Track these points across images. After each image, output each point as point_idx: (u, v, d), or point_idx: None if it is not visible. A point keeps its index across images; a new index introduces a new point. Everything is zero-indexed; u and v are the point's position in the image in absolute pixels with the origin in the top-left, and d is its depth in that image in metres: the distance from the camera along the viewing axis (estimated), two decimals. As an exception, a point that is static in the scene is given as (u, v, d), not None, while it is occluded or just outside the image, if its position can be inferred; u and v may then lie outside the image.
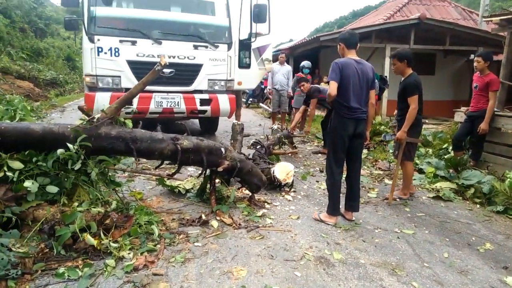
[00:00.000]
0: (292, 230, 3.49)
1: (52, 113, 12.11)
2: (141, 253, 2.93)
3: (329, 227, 3.61)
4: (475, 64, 5.54)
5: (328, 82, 3.63)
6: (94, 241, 2.81)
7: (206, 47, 6.78)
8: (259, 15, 7.02)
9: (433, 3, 17.37)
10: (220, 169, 3.74)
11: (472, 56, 14.18)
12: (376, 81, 8.11)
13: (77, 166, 3.18)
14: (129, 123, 3.72)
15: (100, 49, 6.20)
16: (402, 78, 4.52)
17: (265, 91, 13.85)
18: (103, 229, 3.09)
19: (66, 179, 3.21)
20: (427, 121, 10.98)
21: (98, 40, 6.17)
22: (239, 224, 3.54)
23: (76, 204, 3.17)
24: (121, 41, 6.28)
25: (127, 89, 6.32)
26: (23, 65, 18.85)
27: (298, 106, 8.91)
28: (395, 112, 8.59)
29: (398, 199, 4.56)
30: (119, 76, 6.34)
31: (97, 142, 3.29)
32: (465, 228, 3.81)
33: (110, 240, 2.99)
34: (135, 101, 6.39)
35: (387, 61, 12.13)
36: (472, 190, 4.75)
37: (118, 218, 3.24)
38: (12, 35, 23.72)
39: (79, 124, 3.26)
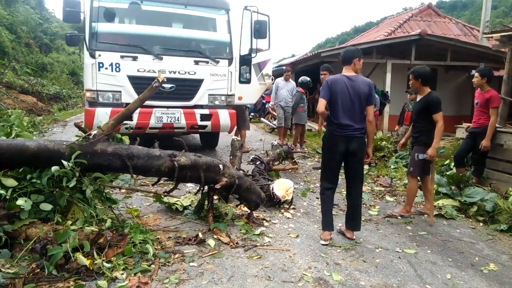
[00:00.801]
0: (291, 249, 3.41)
1: (54, 128, 12.12)
2: (135, 274, 2.85)
3: (328, 246, 3.53)
4: (473, 80, 5.52)
5: None
6: (86, 261, 2.74)
7: (207, 62, 6.79)
8: (259, 30, 7.07)
9: (434, 20, 17.48)
10: (217, 186, 3.68)
11: (473, 71, 14.18)
12: (377, 96, 8.12)
13: (72, 183, 3.13)
14: (126, 139, 3.68)
15: (101, 65, 6.22)
16: (419, 97, 4.51)
17: (266, 106, 13.83)
18: (97, 248, 3.02)
19: (60, 197, 3.17)
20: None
21: (99, 55, 6.19)
22: (237, 243, 3.46)
23: (69, 222, 3.11)
24: (122, 57, 6.29)
25: (127, 105, 6.30)
26: (27, 80, 18.99)
27: (300, 122, 8.91)
28: (396, 127, 8.67)
29: (399, 217, 4.48)
30: (120, 92, 6.33)
31: (93, 159, 3.25)
32: (468, 248, 3.72)
33: (103, 260, 2.92)
34: (135, 116, 6.37)
35: (389, 76, 12.16)
36: (475, 208, 4.67)
37: (113, 236, 3.18)
38: (18, 50, 23.99)
39: (75, 141, 3.23)
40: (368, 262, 3.25)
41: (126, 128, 6.38)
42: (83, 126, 3.31)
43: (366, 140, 3.75)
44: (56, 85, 23.05)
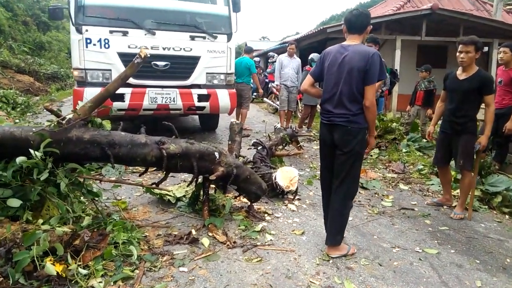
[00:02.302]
0: (296, 249, 2.99)
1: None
2: (115, 282, 2.45)
3: (339, 245, 3.10)
4: (500, 55, 4.99)
5: None
6: (53, 270, 2.32)
7: (204, 38, 6.27)
8: (234, 4, 6.66)
9: (445, -7, 16.66)
10: (212, 177, 3.24)
11: (486, 48, 13.53)
12: (387, 74, 7.56)
13: (44, 175, 2.70)
14: (108, 124, 3.23)
15: (88, 41, 5.72)
16: (463, 74, 3.82)
17: (269, 86, 13.24)
18: (72, 251, 2.62)
19: (31, 191, 2.74)
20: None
21: (86, 30, 5.69)
22: (234, 242, 3.04)
23: (41, 221, 2.69)
24: (111, 32, 5.79)
25: (119, 84, 5.87)
26: (23, 59, 18.45)
27: (309, 103, 8.38)
28: (408, 108, 8.13)
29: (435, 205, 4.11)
30: (110, 70, 5.85)
31: (67, 148, 2.82)
32: (496, 246, 3.29)
33: (79, 265, 2.51)
34: (127, 97, 5.94)
35: (398, 53, 11.56)
36: (499, 198, 4.22)
37: (92, 236, 2.77)
38: (14, 28, 23.38)
39: (45, 127, 2.78)
40: (384, 265, 2.83)
41: (121, 110, 5.99)
42: (55, 109, 2.86)
43: (358, 129, 2.79)
44: (54, 64, 22.52)
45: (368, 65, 2.68)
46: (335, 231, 2.90)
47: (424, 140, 7.20)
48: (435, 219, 3.81)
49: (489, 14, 14.55)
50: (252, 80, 8.50)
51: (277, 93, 11.14)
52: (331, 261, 2.83)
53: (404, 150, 6.62)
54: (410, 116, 7.96)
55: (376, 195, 4.45)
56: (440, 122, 4.18)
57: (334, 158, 2.87)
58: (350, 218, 3.63)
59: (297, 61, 8.59)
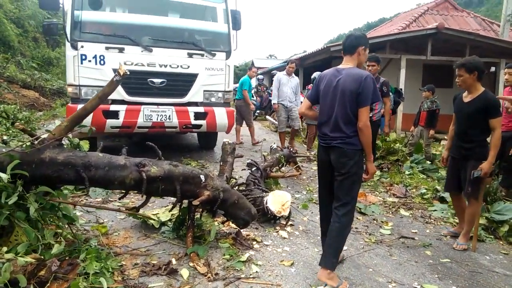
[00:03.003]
0: (283, 283, 2.75)
1: (50, 124, 11.62)
2: (79, 319, 2.24)
3: (330, 279, 2.86)
4: (506, 77, 4.80)
5: None
6: (8, 308, 2.12)
7: (202, 55, 6.15)
8: (235, 22, 6.58)
9: (451, 13, 16.58)
10: (195, 202, 3.04)
11: (493, 68, 13.33)
12: (391, 94, 7.37)
13: (12, 199, 2.53)
14: (85, 145, 3.07)
15: (83, 57, 5.62)
16: (468, 96, 3.65)
17: (272, 103, 13.02)
18: (37, 282, 2.42)
19: (-1, 216, 2.56)
20: (445, 137, 10.16)
21: (82, 47, 5.60)
22: (216, 274, 2.82)
23: (5, 249, 2.50)
24: (107, 48, 5.69)
25: (113, 101, 5.75)
26: (30, 74, 18.61)
27: (311, 122, 8.12)
28: (412, 128, 7.90)
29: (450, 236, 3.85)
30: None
31: (39, 170, 2.65)
32: (502, 283, 3.02)
33: (41, 299, 2.31)
34: (121, 114, 5.80)
35: (403, 72, 11.40)
36: (506, 228, 3.96)
37: (61, 266, 2.58)
38: (24, 44, 23.69)
39: (16, 147, 2.62)
40: (378, 303, 2.58)
41: (115, 127, 5.85)
42: (28, 128, 2.70)
43: (354, 150, 2.77)
44: (61, 79, 22.69)
45: (361, 88, 2.69)
46: (332, 251, 2.77)
47: (428, 162, 6.96)
48: (437, 250, 3.55)
49: (496, 34, 14.41)
50: (253, 97, 8.47)
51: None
52: (319, 298, 2.59)
53: (407, 172, 6.38)
54: (414, 136, 7.73)
55: (375, 221, 4.21)
56: None
57: (332, 179, 2.86)
58: (345, 248, 3.40)
59: (295, 80, 8.19)
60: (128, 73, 2.91)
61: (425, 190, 5.33)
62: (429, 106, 7.37)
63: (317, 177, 5.84)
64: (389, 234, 3.88)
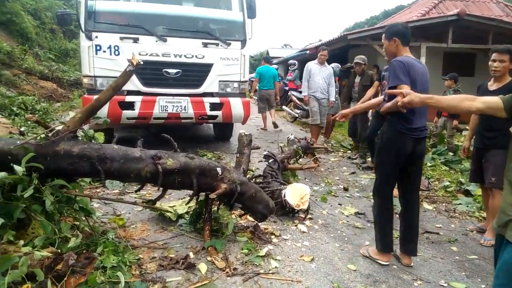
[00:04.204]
0: (303, 279, 2.67)
1: (68, 115, 11.69)
2: (96, 315, 2.20)
3: (352, 276, 2.76)
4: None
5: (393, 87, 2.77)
6: (24, 303, 2.08)
7: (217, 44, 6.04)
8: (250, 10, 6.34)
9: (472, -1, 16.03)
10: (212, 195, 2.96)
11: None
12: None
13: (28, 192, 2.48)
14: (100, 136, 3.01)
15: (98, 47, 5.58)
16: (494, 85, 3.52)
17: (289, 93, 12.82)
18: (54, 276, 2.38)
19: (15, 209, 2.53)
20: (467, 127, 9.87)
21: (96, 37, 5.55)
22: (234, 269, 2.75)
23: (22, 242, 2.47)
24: (121, 39, 5.63)
25: (129, 92, 5.71)
26: (48, 66, 18.78)
27: (330, 112, 7.84)
28: (435, 119, 7.64)
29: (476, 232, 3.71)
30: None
31: (55, 162, 2.59)
32: (535, 281, 2.87)
33: (58, 294, 2.27)
34: (137, 105, 5.75)
35: (423, 60, 11.03)
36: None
37: (78, 260, 2.53)
38: (41, 36, 23.93)
39: (30, 139, 2.57)
40: (403, 302, 2.47)
41: (131, 118, 5.81)
42: (42, 120, 2.65)
43: None
44: (78, 71, 22.89)
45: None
46: (417, 239, 3.00)
47: (451, 154, 6.75)
48: (463, 246, 3.41)
49: (520, 20, 13.88)
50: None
51: (297, 101, 10.77)
52: (342, 296, 2.49)
53: (429, 164, 6.20)
54: (437, 127, 7.50)
55: (396, 214, 4.06)
56: None
57: (406, 169, 2.92)
58: (366, 243, 3.31)
59: (328, 69, 7.51)
60: (142, 63, 2.83)
61: (448, 183, 5.16)
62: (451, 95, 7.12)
63: (335, 169, 5.74)
64: (412, 229, 3.74)
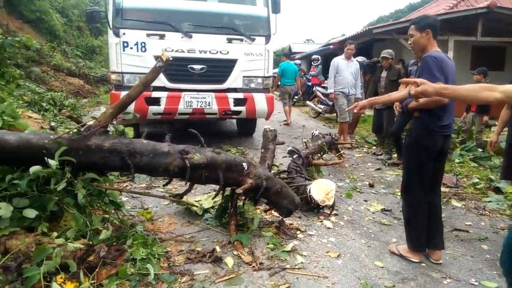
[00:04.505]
0: (330, 275, 2.66)
1: (94, 111, 11.97)
2: (127, 305, 2.26)
3: (380, 273, 2.74)
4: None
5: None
6: (60, 292, 2.15)
7: (241, 40, 6.06)
8: (274, 5, 6.33)
9: (503, -10, 15.47)
10: (239, 190, 2.99)
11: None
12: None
13: (61, 186, 2.57)
14: (130, 131, 3.07)
15: (125, 44, 5.69)
16: None
17: (314, 89, 12.65)
18: (86, 267, 2.45)
19: (48, 201, 2.62)
20: (496, 123, 9.57)
21: (124, 34, 5.66)
22: (260, 264, 2.77)
23: (55, 234, 2.56)
24: (148, 35, 5.72)
25: (155, 88, 5.79)
26: (75, 62, 19.24)
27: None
28: (464, 115, 7.43)
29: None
30: (146, 74, 5.76)
31: (86, 156, 2.66)
32: None
33: (91, 284, 2.34)
34: (163, 101, 5.84)
35: (451, 55, 10.77)
36: None
37: (108, 252, 2.61)
38: (69, 33, 24.53)
39: (63, 134, 2.65)
40: (433, 300, 2.44)
41: (157, 114, 5.89)
42: (74, 115, 2.72)
43: None
44: (104, 67, 23.37)
45: None
46: (443, 233, 3.00)
47: (479, 150, 6.57)
48: (494, 244, 3.32)
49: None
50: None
51: (321, 96, 10.67)
52: (369, 293, 2.48)
53: (456, 161, 6.05)
54: (466, 123, 7.30)
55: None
56: None
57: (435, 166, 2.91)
58: (393, 240, 3.27)
59: (355, 64, 7.33)
60: (171, 59, 2.86)
61: (477, 180, 5.02)
62: (480, 91, 6.90)
63: (359, 165, 5.68)
64: (441, 226, 3.67)
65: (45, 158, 2.47)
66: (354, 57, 7.87)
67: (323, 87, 10.78)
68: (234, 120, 8.61)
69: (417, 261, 2.90)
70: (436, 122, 2.77)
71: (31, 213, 2.54)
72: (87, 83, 18.40)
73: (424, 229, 2.91)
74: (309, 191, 3.67)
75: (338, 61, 7.23)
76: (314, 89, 12.30)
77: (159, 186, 4.43)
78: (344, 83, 7.13)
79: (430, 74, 2.67)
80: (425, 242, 2.95)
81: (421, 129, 2.83)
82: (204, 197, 3.94)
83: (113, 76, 5.84)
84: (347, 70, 7.14)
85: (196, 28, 5.90)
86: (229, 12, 6.30)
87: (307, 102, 12.47)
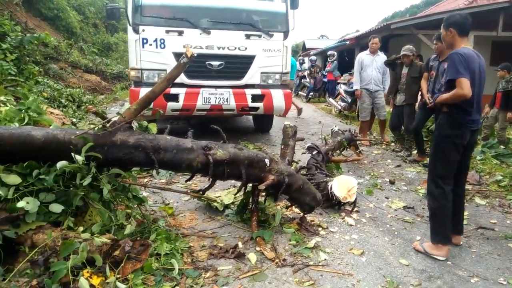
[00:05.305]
0: (354, 273, 2.63)
1: (112, 107, 12.11)
2: (153, 299, 2.28)
3: (405, 271, 2.70)
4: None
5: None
6: (87, 286, 2.17)
7: (260, 36, 6.03)
8: (292, 0, 6.27)
9: (526, -17, 15.05)
10: (261, 186, 2.98)
11: None
12: None
13: (87, 181, 2.60)
14: (154, 127, 3.08)
15: (145, 41, 5.71)
16: None
17: (337, 87, 12.36)
18: (112, 262, 2.48)
19: (74, 196, 2.65)
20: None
21: (143, 30, 5.69)
22: (284, 260, 2.75)
23: (81, 228, 2.59)
24: (167, 32, 5.74)
25: (173, 84, 5.74)
26: (92, 59, 19.47)
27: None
28: (487, 109, 7.24)
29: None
30: (165, 70, 5.79)
31: (111, 152, 2.68)
32: None
33: (117, 278, 2.37)
34: (181, 97, 5.86)
35: (471, 50, 10.56)
36: None
37: (133, 247, 2.63)
38: (85, 30, 24.84)
39: (89, 130, 2.67)
40: (461, 300, 2.39)
41: (175, 110, 5.90)
42: (99, 111, 2.75)
43: None
44: (120, 64, 23.59)
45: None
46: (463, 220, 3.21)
47: (502, 147, 6.43)
48: (521, 243, 3.25)
49: None
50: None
51: (343, 94, 10.50)
52: (395, 291, 2.44)
53: (478, 158, 5.93)
54: (489, 118, 7.13)
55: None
56: None
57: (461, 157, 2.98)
58: (417, 237, 3.22)
59: (381, 58, 6.99)
60: (196, 55, 2.86)
61: (501, 177, 4.91)
62: (504, 86, 6.76)
63: (379, 162, 5.62)
64: (466, 224, 3.58)
65: (72, 154, 2.50)
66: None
67: (344, 84, 10.70)
68: (250, 117, 8.60)
69: (443, 258, 2.86)
70: (464, 117, 2.86)
71: (57, 208, 2.59)
72: (103, 79, 18.61)
73: (449, 222, 2.93)
74: (331, 187, 3.64)
75: (363, 57, 7.10)
76: (338, 86, 12.14)
77: (178, 182, 4.46)
78: (368, 80, 7.00)
79: (455, 70, 2.76)
80: (449, 235, 2.95)
81: (449, 123, 2.89)
82: (224, 193, 3.94)
83: (133, 73, 5.88)
84: (371, 66, 6.98)
85: (214, 24, 5.89)
86: (247, 8, 6.27)
87: (330, 99, 12.28)
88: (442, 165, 2.93)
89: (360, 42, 14.36)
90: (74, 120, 6.95)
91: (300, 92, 16.68)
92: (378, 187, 4.57)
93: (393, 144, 6.94)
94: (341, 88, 10.72)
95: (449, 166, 2.91)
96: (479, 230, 3.48)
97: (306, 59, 19.28)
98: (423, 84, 5.62)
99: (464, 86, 2.71)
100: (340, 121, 9.95)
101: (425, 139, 6.04)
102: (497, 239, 3.31)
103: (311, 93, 15.29)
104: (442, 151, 2.92)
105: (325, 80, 14.62)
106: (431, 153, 3.11)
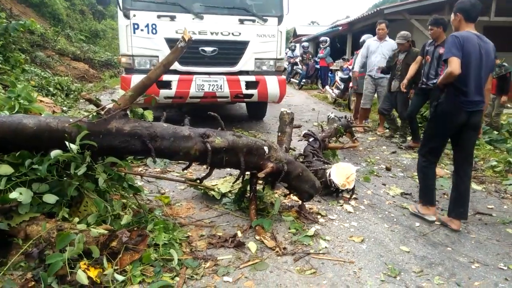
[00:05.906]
0: (355, 260, 2.61)
1: (101, 95, 11.90)
2: (152, 291, 2.23)
3: (406, 257, 2.68)
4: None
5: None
6: (85, 279, 2.11)
7: (254, 21, 5.91)
8: None
9: (518, -32, 15.02)
10: (261, 174, 2.92)
11: None
12: None
13: (81, 170, 2.51)
14: (150, 115, 3.00)
15: (136, 26, 5.56)
16: None
17: (335, 75, 12.22)
18: (109, 253, 2.42)
19: (68, 186, 2.57)
20: (509, 105, 9.38)
21: (134, 15, 5.52)
22: (284, 248, 2.72)
23: (76, 219, 2.52)
24: (158, 17, 5.59)
25: (166, 71, 5.68)
26: (80, 47, 19.08)
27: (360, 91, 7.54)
28: (492, 96, 7.18)
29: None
30: (157, 56, 5.66)
31: (106, 140, 2.59)
32: None
33: (115, 270, 2.31)
34: (174, 84, 5.74)
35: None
36: None
37: (130, 237, 2.56)
38: (72, 17, 24.30)
39: (83, 117, 2.58)
40: (463, 286, 2.38)
41: (169, 97, 5.80)
42: (94, 98, 2.65)
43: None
44: (108, 52, 23.17)
45: (494, 56, 3.09)
46: (467, 204, 3.20)
47: (495, 132, 6.46)
48: (519, 228, 3.26)
49: None
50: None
51: (338, 81, 10.34)
52: (398, 278, 2.43)
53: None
54: (488, 107, 7.12)
55: (445, 196, 3.94)
56: None
57: (461, 137, 3.14)
58: (417, 224, 3.21)
59: (389, 44, 6.76)
60: (193, 38, 2.76)
61: (495, 163, 4.93)
62: (497, 72, 6.75)
63: (374, 148, 5.60)
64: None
65: (66, 143, 2.42)
66: (364, 35, 7.84)
67: (343, 71, 10.53)
68: (244, 104, 8.50)
69: (432, 218, 3.25)
70: (459, 96, 3.00)
71: (51, 198, 2.51)
72: (92, 67, 18.27)
73: (434, 188, 3.32)
74: (329, 174, 3.61)
75: (370, 43, 6.96)
76: (335, 73, 12.02)
77: (173, 171, 4.38)
78: (372, 66, 6.84)
79: (447, 50, 2.94)
80: (434, 198, 3.32)
81: (447, 104, 3.08)
82: (220, 181, 3.89)
83: (124, 59, 5.73)
84: (376, 52, 6.80)
85: (207, 9, 5.75)
86: (240, -9, 6.13)
87: (327, 87, 12.14)
88: (430, 139, 3.26)
89: (353, 28, 14.27)
90: (64, 108, 6.79)
91: (292, 79, 16.32)
92: (375, 173, 4.56)
93: (387, 130, 6.92)
94: (337, 76, 10.63)
95: (437, 142, 3.22)
96: (476, 215, 3.49)
97: (297, 45, 19.15)
98: (412, 67, 5.60)
99: (453, 64, 2.86)
100: (334, 108, 9.91)
101: (419, 125, 6.03)
102: (495, 225, 3.32)
103: (304, 80, 15.20)
104: (433, 127, 3.20)
105: (318, 66, 14.53)
106: (426, 127, 3.40)
